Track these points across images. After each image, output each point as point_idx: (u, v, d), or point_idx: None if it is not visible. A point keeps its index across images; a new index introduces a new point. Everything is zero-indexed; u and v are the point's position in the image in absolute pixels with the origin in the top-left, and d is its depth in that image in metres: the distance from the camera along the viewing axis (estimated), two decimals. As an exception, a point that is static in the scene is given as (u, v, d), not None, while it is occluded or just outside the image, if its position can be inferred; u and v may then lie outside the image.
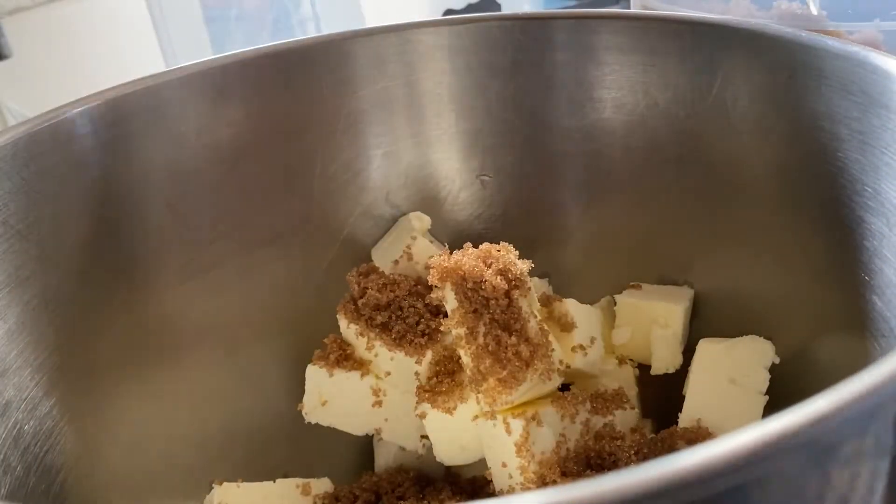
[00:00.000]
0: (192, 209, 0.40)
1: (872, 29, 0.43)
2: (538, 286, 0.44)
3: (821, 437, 0.14)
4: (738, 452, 0.14)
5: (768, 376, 0.36)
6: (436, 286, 0.35)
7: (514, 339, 0.34)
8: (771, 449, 0.14)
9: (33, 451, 0.33)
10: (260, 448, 0.43)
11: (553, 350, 0.36)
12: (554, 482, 0.33)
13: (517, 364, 0.34)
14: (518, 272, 0.35)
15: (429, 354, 0.38)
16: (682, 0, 0.46)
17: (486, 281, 0.34)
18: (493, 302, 0.34)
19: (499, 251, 0.35)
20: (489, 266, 0.34)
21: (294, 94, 0.42)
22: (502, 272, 0.34)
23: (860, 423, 0.15)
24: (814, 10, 0.44)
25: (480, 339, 0.34)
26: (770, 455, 0.14)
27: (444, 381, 0.38)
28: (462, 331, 0.34)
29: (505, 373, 0.33)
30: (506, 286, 0.34)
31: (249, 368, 0.44)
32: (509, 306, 0.34)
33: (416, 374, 0.39)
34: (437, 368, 0.39)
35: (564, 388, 0.37)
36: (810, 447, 0.14)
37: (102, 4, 0.91)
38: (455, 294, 0.34)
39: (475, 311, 0.34)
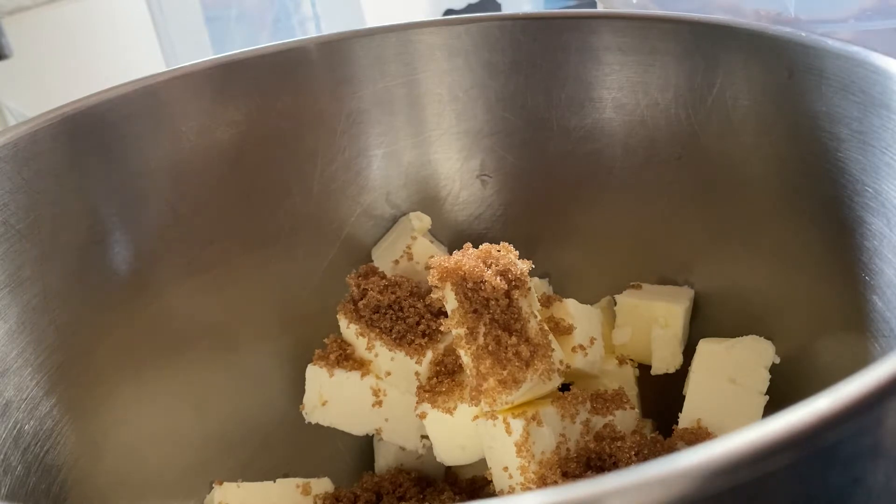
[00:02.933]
0: (193, 209, 0.40)
1: (847, 30, 0.44)
2: (538, 286, 0.44)
3: (821, 438, 0.14)
4: (738, 452, 0.14)
5: (768, 376, 0.36)
6: (436, 286, 0.35)
7: (514, 339, 0.34)
8: (771, 449, 0.14)
9: (33, 451, 0.33)
10: (260, 448, 0.43)
11: (553, 350, 0.36)
12: (554, 482, 0.33)
13: (517, 364, 0.33)
14: (518, 272, 0.35)
15: (429, 354, 0.38)
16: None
17: (486, 281, 0.34)
18: (493, 302, 0.34)
19: (499, 251, 0.35)
20: (489, 266, 0.34)
21: (294, 94, 0.42)
22: (502, 272, 0.34)
23: (860, 423, 0.15)
24: (791, 13, 0.44)
25: (480, 340, 0.34)
26: (770, 455, 0.14)
27: (444, 382, 0.38)
28: (462, 331, 0.34)
29: (505, 373, 0.33)
30: (506, 286, 0.34)
31: (249, 368, 0.44)
32: (509, 306, 0.34)
33: (417, 374, 0.39)
34: (438, 369, 0.39)
35: (565, 388, 0.37)
36: (810, 447, 0.14)
37: (102, 4, 0.91)
38: (455, 294, 0.34)
39: (475, 311, 0.34)
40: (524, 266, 0.35)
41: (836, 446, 0.15)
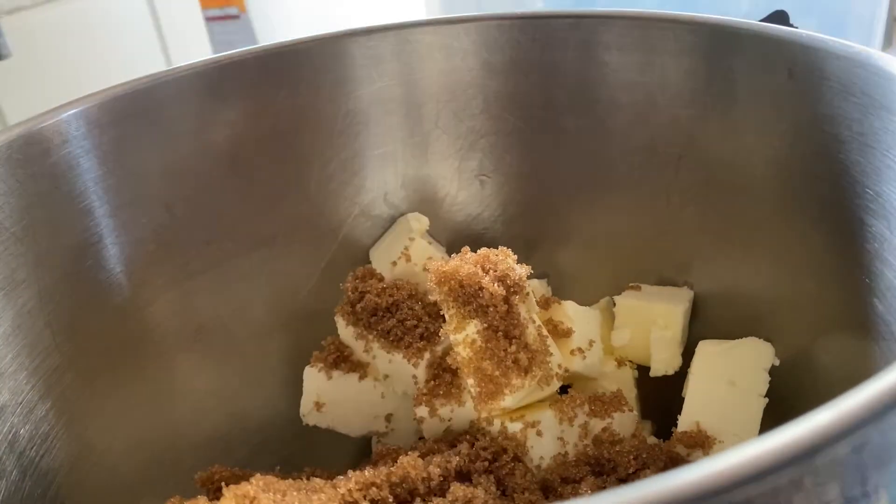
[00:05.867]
0: (190, 210, 0.40)
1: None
2: (537, 287, 0.44)
3: (822, 450, 0.14)
4: (739, 468, 0.13)
5: (768, 378, 0.36)
6: (434, 292, 0.35)
7: (512, 345, 0.33)
8: (772, 463, 0.13)
9: (29, 456, 0.33)
10: (258, 449, 0.43)
11: (552, 355, 0.35)
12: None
13: (515, 370, 0.33)
14: (517, 277, 0.34)
15: (427, 357, 0.38)
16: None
17: (484, 288, 0.33)
18: (491, 308, 0.34)
19: (497, 256, 0.35)
20: (487, 272, 0.34)
21: (291, 93, 0.41)
22: (500, 278, 0.34)
23: (862, 436, 0.15)
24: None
25: (478, 346, 0.34)
26: (771, 470, 0.13)
27: (441, 384, 0.38)
28: (460, 336, 0.34)
29: (503, 379, 0.33)
30: (504, 292, 0.34)
31: (248, 369, 0.43)
32: (508, 312, 0.34)
33: (414, 376, 0.39)
34: (435, 371, 0.38)
35: (564, 389, 0.37)
36: (811, 461, 0.14)
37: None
38: (453, 300, 0.34)
39: (473, 317, 0.34)
40: (522, 271, 0.35)
41: (838, 460, 0.14)
